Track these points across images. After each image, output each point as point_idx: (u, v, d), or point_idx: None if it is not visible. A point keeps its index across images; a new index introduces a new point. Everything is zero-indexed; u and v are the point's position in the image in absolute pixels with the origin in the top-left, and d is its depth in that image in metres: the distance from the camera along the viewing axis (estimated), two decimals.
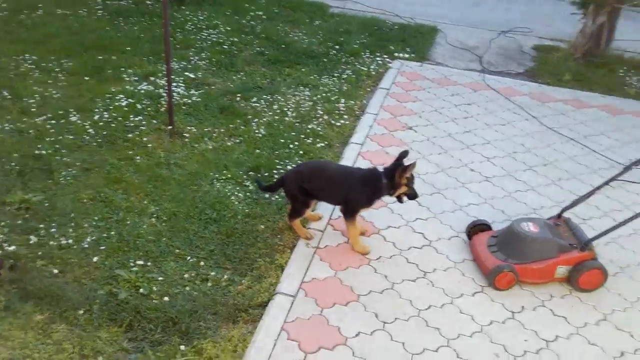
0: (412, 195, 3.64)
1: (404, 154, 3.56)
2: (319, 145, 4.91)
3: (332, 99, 5.81)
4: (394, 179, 3.51)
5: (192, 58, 6.42)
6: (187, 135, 4.86)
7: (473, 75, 6.81)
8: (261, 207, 4.06)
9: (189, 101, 5.42)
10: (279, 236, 3.82)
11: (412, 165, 3.48)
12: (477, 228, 3.84)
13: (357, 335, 3.09)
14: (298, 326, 3.11)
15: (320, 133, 5.11)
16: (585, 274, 3.45)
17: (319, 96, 5.83)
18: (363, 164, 4.66)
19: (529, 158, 5.06)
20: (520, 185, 4.64)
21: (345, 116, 5.51)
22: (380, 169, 3.61)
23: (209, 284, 3.38)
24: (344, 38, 7.46)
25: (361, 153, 4.82)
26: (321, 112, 5.50)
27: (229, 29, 7.43)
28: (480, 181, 4.64)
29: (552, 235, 3.51)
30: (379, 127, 5.31)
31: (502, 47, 8.01)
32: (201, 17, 7.66)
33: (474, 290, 3.50)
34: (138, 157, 4.48)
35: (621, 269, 3.81)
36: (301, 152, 4.77)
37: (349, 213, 3.63)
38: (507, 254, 3.51)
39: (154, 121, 5.02)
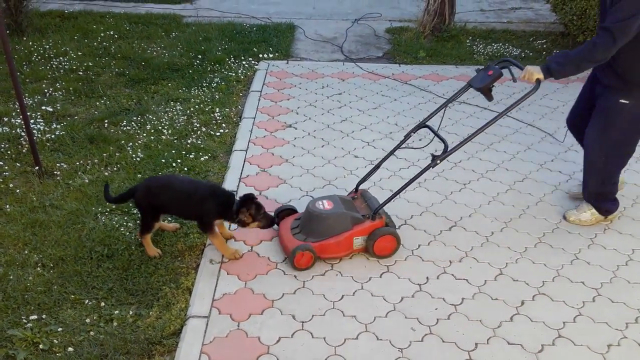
0: (267, 225, 3.67)
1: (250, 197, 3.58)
2: (202, 158, 4.80)
3: (206, 109, 5.70)
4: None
5: (46, 90, 5.98)
6: (57, 173, 4.52)
7: (338, 66, 7.01)
8: (155, 232, 3.90)
9: (53, 136, 5.04)
10: (179, 259, 3.70)
11: (251, 203, 3.53)
12: (283, 213, 3.93)
13: (278, 341, 3.08)
14: (217, 346, 3.03)
15: (202, 146, 5.00)
16: (377, 241, 3.63)
17: (192, 109, 5.69)
18: (251, 170, 4.64)
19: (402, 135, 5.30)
20: (402, 163, 4.86)
21: (224, 125, 5.42)
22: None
23: (115, 324, 3.19)
24: (205, 46, 7.34)
25: (247, 159, 4.79)
26: (198, 125, 5.38)
27: (80, 54, 7.01)
28: (366, 165, 4.80)
29: (346, 209, 3.65)
30: (259, 130, 5.30)
31: (358, 35, 8.32)
32: (47, 46, 7.15)
33: (381, 271, 3.62)
34: (7, 206, 4.10)
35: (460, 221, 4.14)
36: (185, 168, 4.64)
37: (205, 226, 3.59)
38: (307, 234, 3.63)
39: (18, 164, 4.62)
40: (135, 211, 4.09)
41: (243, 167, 4.68)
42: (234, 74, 6.60)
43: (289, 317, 3.24)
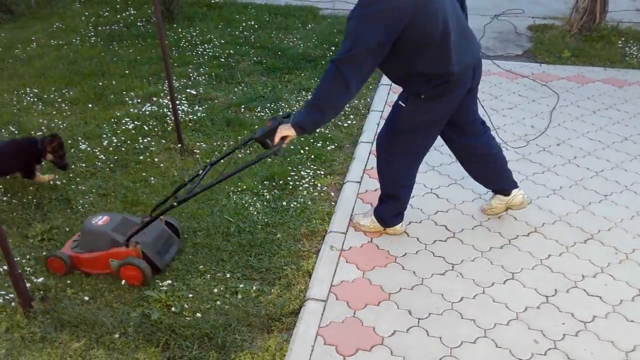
0: (60, 163, 4.32)
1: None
2: (329, 147, 4.90)
3: None
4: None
5: (191, 74, 6.42)
6: (197, 151, 4.85)
7: None
8: (280, 215, 4.05)
9: (195, 117, 5.41)
10: (301, 242, 3.81)
11: (56, 139, 4.21)
12: None
13: (393, 334, 3.07)
14: (333, 330, 3.09)
15: (329, 135, 5.10)
16: (123, 268, 3.42)
17: None
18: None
19: (540, 140, 5.03)
20: (537, 167, 4.61)
21: (352, 116, 5.49)
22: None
23: (239, 297, 3.36)
24: (339, 39, 7.45)
25: (372, 151, 4.80)
26: None
27: (223, 42, 7.43)
28: None
29: (113, 230, 3.47)
30: None
31: (497, 31, 7.99)
32: (194, 33, 7.67)
33: (505, 278, 3.47)
34: (152, 178, 4.47)
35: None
36: (312, 156, 4.76)
37: (27, 173, 4.27)
38: (78, 244, 3.58)
39: (163, 141, 5.01)
40: (263, 193, 4.27)
41: (368, 158, 4.70)
42: None
43: (405, 311, 3.22)
